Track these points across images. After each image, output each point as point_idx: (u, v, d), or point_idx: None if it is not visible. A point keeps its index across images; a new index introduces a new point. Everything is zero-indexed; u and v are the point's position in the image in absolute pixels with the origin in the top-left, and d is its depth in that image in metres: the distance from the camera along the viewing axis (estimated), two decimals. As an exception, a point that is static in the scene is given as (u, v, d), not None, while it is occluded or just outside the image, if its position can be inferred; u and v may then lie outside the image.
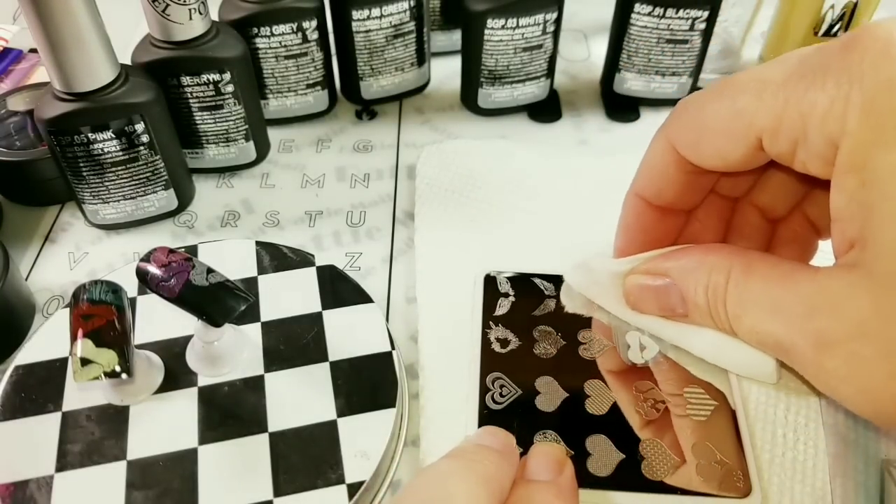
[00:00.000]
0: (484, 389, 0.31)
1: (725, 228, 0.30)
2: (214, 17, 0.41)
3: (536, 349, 0.33)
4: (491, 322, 0.34)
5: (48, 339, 0.33)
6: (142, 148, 0.38)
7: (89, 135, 0.36)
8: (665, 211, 0.28)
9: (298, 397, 0.31)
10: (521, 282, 0.36)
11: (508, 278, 0.36)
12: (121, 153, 0.37)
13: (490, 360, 0.33)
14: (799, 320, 0.20)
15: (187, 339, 0.32)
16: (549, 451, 0.24)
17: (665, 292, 0.26)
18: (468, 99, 0.48)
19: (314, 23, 0.43)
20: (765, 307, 0.22)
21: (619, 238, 0.30)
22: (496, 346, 0.33)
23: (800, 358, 0.21)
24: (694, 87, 0.47)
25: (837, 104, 0.19)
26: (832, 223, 0.21)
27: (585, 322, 0.34)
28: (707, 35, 0.44)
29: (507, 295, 0.35)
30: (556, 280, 0.36)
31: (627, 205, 0.29)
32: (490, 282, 0.36)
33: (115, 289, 0.29)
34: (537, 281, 0.36)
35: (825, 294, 0.20)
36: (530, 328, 0.34)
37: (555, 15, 0.43)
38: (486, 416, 0.31)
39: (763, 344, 0.23)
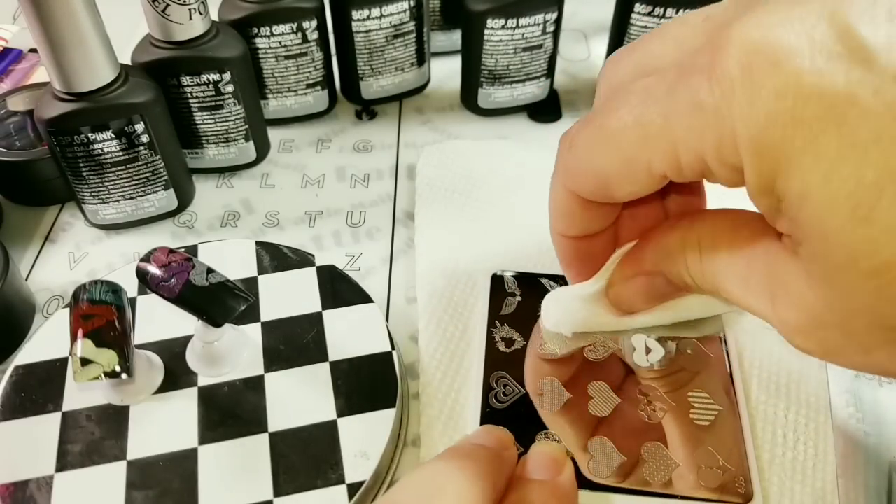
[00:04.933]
0: (487, 388, 0.31)
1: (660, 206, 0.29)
2: (214, 17, 0.41)
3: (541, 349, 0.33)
4: (497, 321, 0.34)
5: (48, 339, 0.33)
6: (142, 148, 0.38)
7: (89, 135, 0.36)
8: (588, 237, 0.27)
9: (298, 397, 0.31)
10: (528, 282, 0.36)
11: (515, 278, 0.36)
12: (121, 153, 0.37)
13: (494, 360, 0.32)
14: (768, 306, 0.20)
15: (187, 339, 0.32)
16: (548, 450, 0.24)
17: (650, 285, 0.26)
18: (468, 99, 0.48)
19: (314, 23, 0.43)
20: (738, 283, 0.21)
21: (567, 273, 0.30)
22: (501, 346, 0.33)
23: (785, 337, 0.21)
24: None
25: (727, 146, 0.18)
26: (752, 200, 0.20)
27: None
28: (707, 35, 0.44)
29: (513, 294, 0.35)
30: (564, 280, 0.36)
31: (557, 246, 0.28)
32: (497, 281, 0.36)
33: (115, 289, 0.29)
34: (544, 281, 0.36)
35: (780, 283, 0.20)
36: (536, 328, 0.34)
37: (555, 15, 0.43)
38: (489, 416, 0.31)
39: (751, 312, 0.22)
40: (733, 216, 0.23)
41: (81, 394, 0.31)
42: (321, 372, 0.31)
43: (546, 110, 0.48)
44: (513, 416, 0.30)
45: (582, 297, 0.29)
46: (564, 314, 0.30)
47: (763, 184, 0.18)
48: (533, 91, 0.47)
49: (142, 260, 0.29)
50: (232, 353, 0.32)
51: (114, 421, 0.30)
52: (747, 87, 0.17)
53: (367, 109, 0.49)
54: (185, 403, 0.31)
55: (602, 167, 0.22)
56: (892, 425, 0.31)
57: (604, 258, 0.28)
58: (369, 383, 0.31)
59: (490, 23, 0.42)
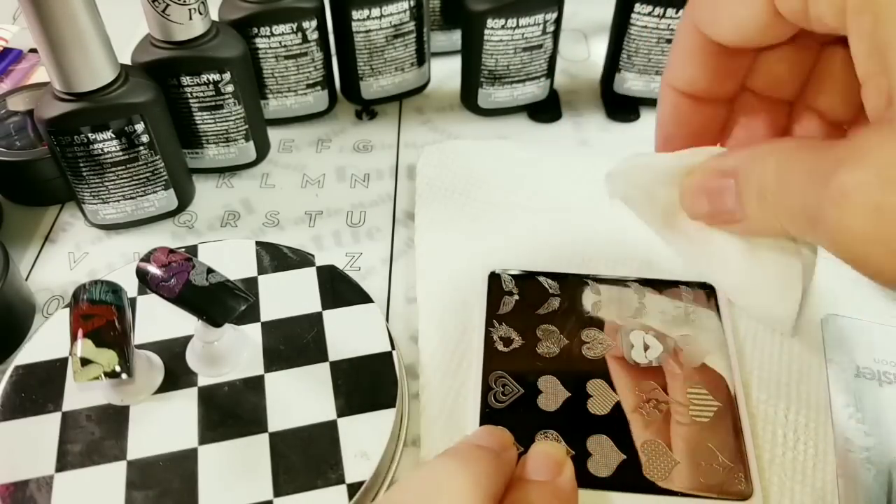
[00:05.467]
0: (486, 388, 0.31)
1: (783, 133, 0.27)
2: (214, 17, 0.41)
3: (539, 348, 0.33)
4: (495, 320, 0.34)
5: (48, 339, 0.33)
6: (142, 148, 0.38)
7: (89, 135, 0.36)
8: (700, 100, 0.26)
9: (298, 397, 0.31)
10: (526, 280, 0.36)
11: (513, 276, 0.36)
12: (121, 153, 0.37)
13: (493, 359, 0.32)
14: (825, 178, 0.18)
15: (187, 339, 0.32)
16: (548, 450, 0.24)
17: (721, 194, 0.23)
18: (468, 99, 0.48)
19: (314, 23, 0.43)
20: (803, 188, 0.19)
21: (658, 133, 0.28)
22: (499, 345, 0.33)
23: (823, 224, 0.18)
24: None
25: None
26: (862, 85, 0.19)
27: (589, 321, 0.34)
28: (707, 35, 0.44)
29: (511, 293, 0.35)
30: (561, 279, 0.36)
31: (662, 97, 0.27)
32: (495, 280, 0.36)
33: (115, 289, 0.29)
34: (542, 279, 0.36)
35: (852, 149, 0.18)
36: (534, 327, 0.34)
37: (555, 15, 0.43)
38: (488, 415, 0.31)
39: (796, 223, 0.20)
40: (825, 141, 0.20)
41: (81, 394, 0.31)
42: (321, 372, 0.31)
43: (546, 110, 0.48)
44: (512, 415, 0.30)
45: (657, 168, 0.26)
46: (627, 182, 0.27)
47: None
48: (533, 91, 0.47)
49: (142, 260, 0.29)
50: (232, 353, 0.32)
51: (114, 421, 0.30)
52: None
53: (367, 109, 0.49)
54: (185, 403, 0.31)
55: None
56: (892, 425, 0.31)
57: (696, 137, 0.26)
58: (369, 383, 0.31)
59: (490, 23, 0.42)
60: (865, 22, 0.17)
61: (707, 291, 0.35)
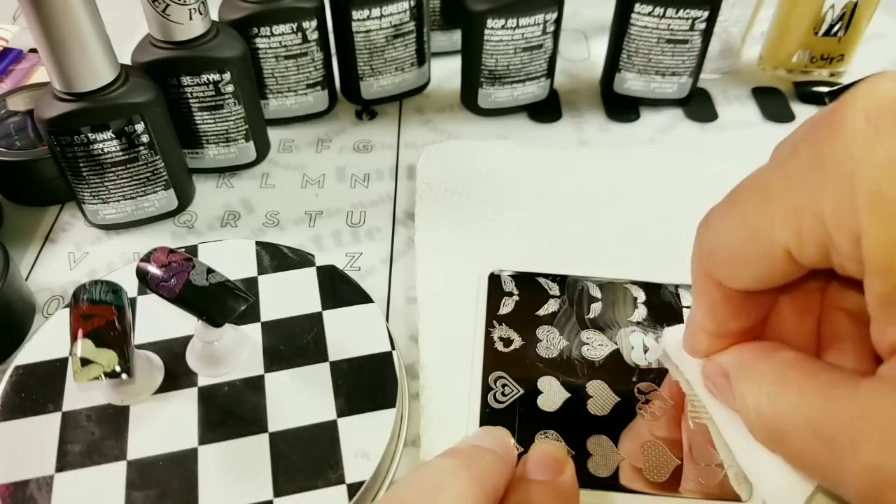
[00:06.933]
0: (486, 388, 0.31)
1: (816, 325, 0.26)
2: (214, 17, 0.41)
3: (539, 349, 0.33)
4: (495, 321, 0.34)
5: (48, 339, 0.33)
6: (142, 148, 0.38)
7: (89, 135, 0.36)
8: (732, 334, 0.25)
9: (298, 397, 0.31)
10: (526, 281, 0.36)
11: (513, 277, 0.36)
12: (121, 153, 0.37)
13: (493, 359, 0.32)
14: (846, 451, 0.17)
15: (187, 339, 0.32)
16: (549, 449, 0.24)
17: (723, 388, 0.25)
18: (468, 99, 0.48)
19: (314, 23, 0.43)
20: (805, 429, 0.19)
21: (687, 342, 0.28)
22: (499, 346, 0.33)
23: (856, 497, 0.18)
24: (694, 87, 0.47)
25: (845, 201, 0.16)
26: (871, 323, 0.18)
27: (588, 322, 0.34)
28: (707, 35, 0.44)
29: (511, 294, 0.35)
30: (561, 280, 0.36)
31: (693, 341, 0.27)
32: (495, 280, 0.36)
33: (115, 289, 0.29)
34: (542, 280, 0.36)
35: (871, 419, 0.17)
36: (534, 328, 0.34)
37: (555, 15, 0.43)
38: (488, 416, 0.31)
39: (813, 473, 0.20)
40: (813, 360, 0.21)
41: (81, 394, 0.31)
42: (321, 372, 0.31)
43: (546, 110, 0.48)
44: (512, 415, 0.30)
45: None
46: (675, 342, 0.29)
47: (879, 258, 0.16)
48: (533, 91, 0.47)
49: (142, 260, 0.29)
50: (232, 353, 0.32)
51: (114, 421, 0.30)
52: (871, 135, 0.16)
53: (367, 109, 0.49)
54: (185, 403, 0.31)
55: (728, 242, 0.21)
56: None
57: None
58: (369, 383, 0.31)
59: (490, 23, 0.42)
60: (877, 284, 0.17)
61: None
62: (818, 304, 0.25)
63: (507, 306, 0.35)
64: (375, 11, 0.43)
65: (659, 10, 0.43)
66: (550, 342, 0.33)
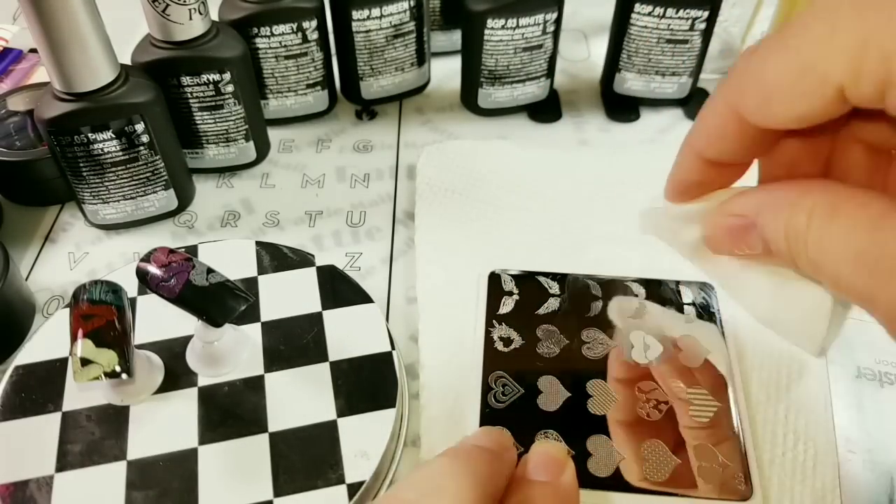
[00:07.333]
0: (486, 388, 0.31)
1: (823, 165, 0.25)
2: (214, 17, 0.41)
3: (539, 348, 0.33)
4: (494, 321, 0.34)
5: (48, 339, 0.33)
6: (142, 148, 0.38)
7: (89, 135, 0.36)
8: (725, 165, 0.25)
9: (298, 397, 0.31)
10: (526, 280, 0.36)
11: (513, 276, 0.36)
12: (121, 153, 0.37)
13: (493, 359, 0.32)
14: (888, 277, 0.18)
15: (187, 339, 0.32)
16: (549, 450, 0.24)
17: (743, 232, 0.23)
18: (468, 99, 0.48)
19: (314, 23, 0.43)
20: (848, 257, 0.19)
21: (671, 183, 0.27)
22: (499, 345, 0.33)
23: (887, 319, 0.18)
24: (694, 87, 0.47)
25: None
26: None
27: (588, 321, 0.34)
28: (707, 35, 0.44)
29: (511, 293, 0.35)
30: (561, 278, 0.36)
31: (683, 160, 0.26)
32: (494, 280, 0.36)
33: (115, 289, 0.29)
34: (542, 279, 0.36)
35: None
36: (534, 327, 0.34)
37: (555, 15, 0.43)
38: (488, 415, 0.31)
39: (847, 296, 0.20)
40: (866, 192, 0.20)
41: (81, 394, 0.31)
42: (321, 372, 0.31)
43: (546, 110, 0.48)
44: (512, 415, 0.30)
45: (675, 212, 0.27)
46: (653, 222, 0.28)
47: None
48: (533, 91, 0.47)
49: (142, 260, 0.29)
50: (232, 353, 0.32)
51: (114, 421, 0.30)
52: None
53: (367, 109, 0.49)
54: (185, 403, 0.31)
55: (774, 76, 0.20)
56: (894, 426, 0.31)
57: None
58: (369, 383, 0.31)
59: (490, 23, 0.42)
60: None
61: (707, 292, 0.35)
62: (830, 141, 0.24)
63: (507, 305, 0.35)
64: (375, 11, 0.43)
65: (659, 10, 0.43)
66: (550, 341, 0.33)
